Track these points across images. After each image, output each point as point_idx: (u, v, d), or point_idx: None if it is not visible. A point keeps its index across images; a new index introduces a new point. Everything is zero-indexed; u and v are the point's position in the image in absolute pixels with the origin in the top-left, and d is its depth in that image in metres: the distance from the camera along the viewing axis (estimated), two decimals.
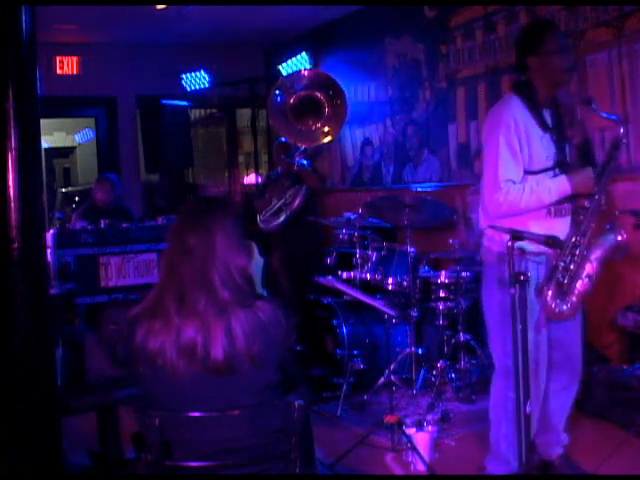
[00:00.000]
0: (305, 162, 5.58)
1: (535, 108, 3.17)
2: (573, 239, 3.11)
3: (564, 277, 3.07)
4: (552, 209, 3.20)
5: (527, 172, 3.17)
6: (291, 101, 4.74)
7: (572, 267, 3.08)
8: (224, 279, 2.13)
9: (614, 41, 4.91)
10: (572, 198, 3.17)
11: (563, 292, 3.07)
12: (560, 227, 3.18)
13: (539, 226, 3.14)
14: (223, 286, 2.12)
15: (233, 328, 2.08)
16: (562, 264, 3.09)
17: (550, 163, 3.19)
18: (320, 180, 5.83)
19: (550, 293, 3.08)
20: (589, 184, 3.11)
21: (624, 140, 3.12)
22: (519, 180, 3.14)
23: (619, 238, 3.05)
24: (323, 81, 4.78)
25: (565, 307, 3.08)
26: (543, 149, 3.18)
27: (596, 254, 3.08)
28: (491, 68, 5.96)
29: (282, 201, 5.54)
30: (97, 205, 6.36)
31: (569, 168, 3.21)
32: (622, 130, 3.12)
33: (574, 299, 3.08)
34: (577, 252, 3.09)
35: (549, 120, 3.22)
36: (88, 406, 3.12)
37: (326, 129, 4.74)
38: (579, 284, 3.07)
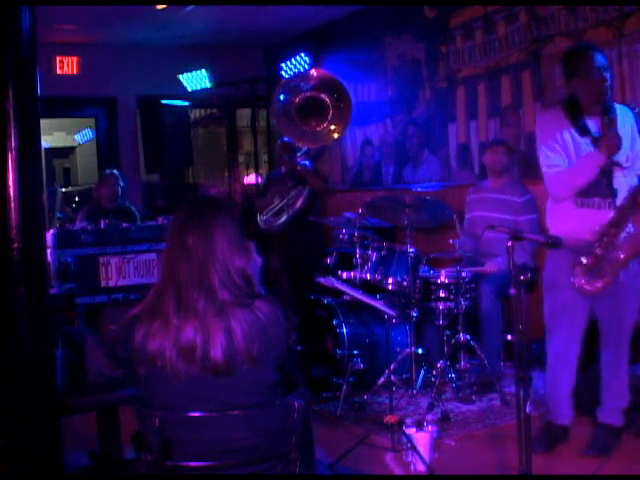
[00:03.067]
0: (308, 163, 5.58)
1: (575, 117, 3.66)
2: (605, 229, 3.50)
3: (591, 259, 3.51)
4: (579, 201, 3.64)
5: None
6: (296, 100, 4.73)
7: (598, 252, 3.49)
8: (223, 279, 2.12)
9: (614, 41, 4.92)
10: (600, 193, 3.60)
11: (591, 272, 3.51)
12: (590, 218, 3.58)
13: (571, 216, 3.63)
14: (222, 286, 2.11)
15: (232, 329, 2.07)
16: (592, 249, 3.49)
17: None
18: (323, 182, 5.83)
19: (579, 270, 3.52)
20: (615, 142, 3.54)
21: None
22: (563, 164, 3.66)
23: None
24: (330, 84, 4.78)
25: (594, 283, 3.51)
26: (575, 151, 3.63)
27: (626, 245, 3.48)
28: (491, 68, 5.96)
29: (284, 201, 5.55)
30: (101, 204, 6.37)
31: (605, 167, 3.61)
32: None
33: (599, 279, 3.50)
34: (605, 240, 3.49)
35: (594, 127, 3.64)
36: (88, 406, 3.11)
37: (329, 130, 4.74)
38: (604, 268, 3.49)
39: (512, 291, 3.06)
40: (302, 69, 7.55)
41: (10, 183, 2.55)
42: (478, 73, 6.10)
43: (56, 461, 2.66)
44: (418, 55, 6.73)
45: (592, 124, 3.65)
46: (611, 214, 3.55)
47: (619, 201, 3.58)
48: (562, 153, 3.66)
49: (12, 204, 2.55)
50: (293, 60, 7.73)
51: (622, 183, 3.61)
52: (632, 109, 3.73)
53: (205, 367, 2.07)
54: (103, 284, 5.20)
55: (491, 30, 5.91)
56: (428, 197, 5.09)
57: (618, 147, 3.54)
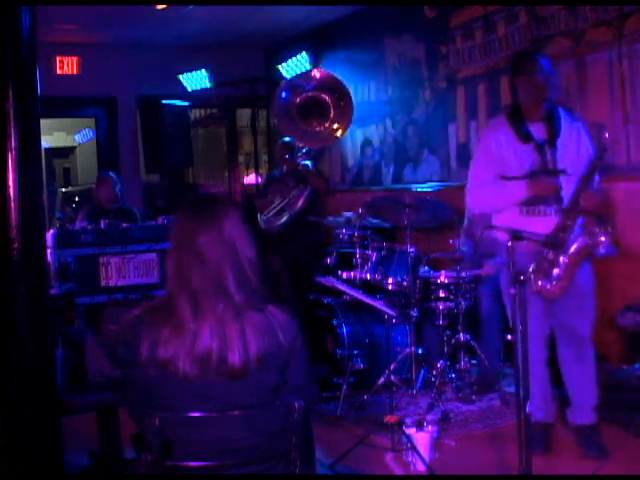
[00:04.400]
0: (309, 163, 5.58)
1: (518, 124, 3.69)
2: (553, 233, 3.54)
3: (544, 264, 3.54)
4: (524, 209, 3.68)
5: (503, 178, 3.68)
6: (297, 100, 4.73)
7: (550, 256, 3.54)
8: (238, 279, 2.12)
9: (614, 41, 4.91)
10: (545, 201, 3.64)
11: (545, 276, 3.54)
12: (535, 225, 3.59)
13: (513, 224, 3.58)
14: (238, 288, 2.11)
15: (247, 332, 2.08)
16: (544, 253, 3.54)
17: (522, 172, 3.64)
18: (325, 182, 5.83)
19: (534, 276, 3.55)
20: (547, 188, 3.60)
21: (608, 145, 3.57)
22: (488, 183, 3.72)
23: (587, 240, 3.51)
24: (331, 84, 4.78)
25: (549, 287, 3.55)
26: (516, 159, 3.66)
27: (572, 249, 3.52)
28: (491, 68, 5.96)
29: (285, 201, 5.55)
30: (101, 205, 6.35)
31: (550, 175, 3.64)
32: (606, 135, 3.53)
33: (554, 282, 3.54)
34: (555, 244, 3.54)
35: (537, 133, 3.66)
36: (88, 406, 3.11)
37: (332, 130, 4.75)
38: (556, 271, 3.53)
39: (512, 291, 3.05)
40: (302, 69, 7.55)
41: (10, 183, 2.55)
42: (478, 73, 6.10)
43: (56, 461, 2.66)
44: (418, 55, 6.73)
45: (535, 130, 3.67)
46: (557, 219, 3.59)
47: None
48: (492, 170, 3.70)
49: (12, 204, 2.55)
50: (293, 60, 7.73)
51: (569, 189, 3.63)
52: (575, 117, 3.77)
53: (220, 372, 2.07)
54: (103, 284, 5.21)
55: (491, 30, 5.91)
56: (428, 197, 5.09)
57: (549, 194, 3.61)
